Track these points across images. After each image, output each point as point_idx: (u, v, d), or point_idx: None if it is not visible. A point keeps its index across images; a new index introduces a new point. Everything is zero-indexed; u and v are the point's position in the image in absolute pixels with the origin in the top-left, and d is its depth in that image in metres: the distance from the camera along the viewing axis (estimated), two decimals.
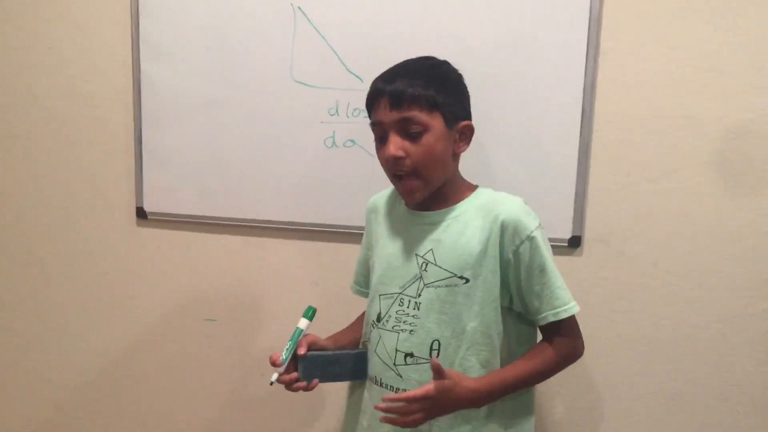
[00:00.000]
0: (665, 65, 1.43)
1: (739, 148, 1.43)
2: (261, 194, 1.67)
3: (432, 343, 1.18)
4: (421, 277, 1.20)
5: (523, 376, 1.20)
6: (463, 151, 1.23)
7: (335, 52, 1.55)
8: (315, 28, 1.56)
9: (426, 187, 1.18)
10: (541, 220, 1.20)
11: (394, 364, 1.21)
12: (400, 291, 1.22)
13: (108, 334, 1.89)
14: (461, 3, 1.48)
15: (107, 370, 1.92)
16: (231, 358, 1.81)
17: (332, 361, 1.25)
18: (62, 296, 1.91)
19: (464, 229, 1.19)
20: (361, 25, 1.54)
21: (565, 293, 1.21)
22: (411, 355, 1.20)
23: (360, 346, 1.33)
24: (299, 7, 1.56)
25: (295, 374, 1.22)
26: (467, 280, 1.17)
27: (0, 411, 2.02)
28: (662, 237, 1.49)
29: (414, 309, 1.20)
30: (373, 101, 1.18)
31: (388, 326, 1.23)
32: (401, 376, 1.20)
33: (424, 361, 1.19)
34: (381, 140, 1.18)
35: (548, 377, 1.24)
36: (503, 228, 1.16)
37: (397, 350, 1.21)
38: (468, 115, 1.23)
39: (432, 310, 1.18)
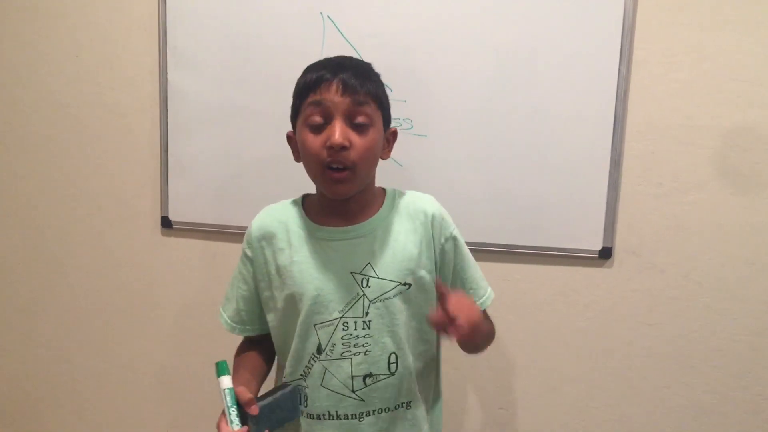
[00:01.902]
0: (698, 76, 1.43)
1: None
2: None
3: (389, 357, 1.14)
4: (363, 294, 1.12)
5: (486, 333, 1.20)
6: (387, 158, 1.19)
7: None
8: (344, 37, 1.55)
9: (356, 184, 1.11)
10: None
11: (353, 390, 1.14)
12: (340, 315, 1.13)
13: (133, 343, 1.89)
14: (492, 11, 1.48)
15: (132, 379, 1.91)
16: None
17: (275, 408, 1.13)
18: (87, 305, 1.90)
19: (396, 234, 1.15)
20: (390, 34, 1.54)
21: (485, 282, 1.24)
22: (369, 375, 1.14)
23: (286, 383, 1.19)
24: (328, 16, 1.55)
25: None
26: (409, 285, 1.14)
27: (22, 419, 2.02)
28: (694, 249, 1.48)
29: (364, 329, 1.13)
30: (317, 83, 1.08)
31: (335, 354, 1.13)
32: (363, 400, 1.15)
33: (385, 376, 1.14)
34: (317, 128, 1.08)
35: (481, 349, 1.23)
36: (433, 224, 1.16)
37: (353, 376, 1.14)
38: (390, 122, 1.19)
39: (383, 324, 1.13)
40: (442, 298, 1.01)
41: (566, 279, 1.55)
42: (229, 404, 1.09)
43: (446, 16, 1.50)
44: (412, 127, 1.54)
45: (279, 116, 1.63)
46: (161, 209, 1.78)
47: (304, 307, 1.14)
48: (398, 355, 1.15)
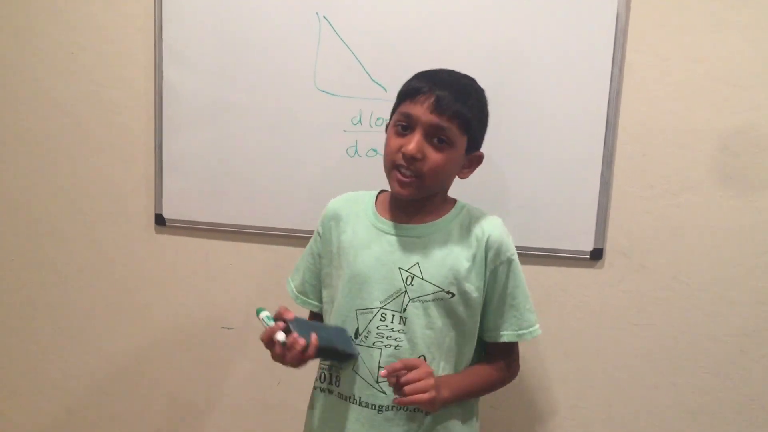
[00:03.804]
0: (690, 78, 1.44)
1: (763, 163, 1.43)
2: (282, 202, 1.67)
3: (418, 358, 1.16)
4: (406, 291, 1.17)
5: (474, 389, 1.23)
6: (465, 178, 1.24)
7: (359, 62, 1.56)
8: (340, 37, 1.56)
9: (420, 191, 1.16)
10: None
11: (377, 381, 1.17)
12: (381, 306, 1.18)
13: (125, 341, 1.89)
14: (487, 14, 1.49)
15: (124, 377, 1.91)
16: (248, 367, 1.81)
17: (318, 327, 1.14)
18: (80, 302, 1.90)
19: (450, 243, 1.19)
20: (386, 35, 1.54)
21: (533, 317, 1.23)
22: None
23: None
24: (324, 16, 1.56)
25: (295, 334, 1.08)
26: (453, 295, 1.16)
27: (16, 415, 2.01)
28: (684, 250, 1.49)
29: (400, 324, 1.17)
30: (415, 94, 1.14)
31: (368, 342, 1.18)
32: (385, 393, 1.17)
33: None
34: (401, 130, 1.15)
35: (489, 392, 1.27)
36: (488, 246, 1.18)
37: (380, 367, 1.16)
38: (480, 146, 1.23)
39: (418, 325, 1.16)
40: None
41: (557, 279, 1.56)
42: (267, 322, 1.11)
43: (440, 18, 1.51)
44: None
45: (273, 114, 1.65)
46: (155, 206, 1.78)
47: (345, 290, 1.21)
48: (426, 359, 1.16)
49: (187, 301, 1.82)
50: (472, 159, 1.22)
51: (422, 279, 1.16)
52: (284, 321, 1.10)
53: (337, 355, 1.17)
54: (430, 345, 1.17)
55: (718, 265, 1.48)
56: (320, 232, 1.30)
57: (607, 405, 1.58)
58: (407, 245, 1.19)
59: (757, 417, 1.51)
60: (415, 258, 1.18)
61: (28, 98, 1.84)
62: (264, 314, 1.13)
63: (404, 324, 1.16)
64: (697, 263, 1.49)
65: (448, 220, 1.21)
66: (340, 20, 1.56)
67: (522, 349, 1.58)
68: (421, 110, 1.12)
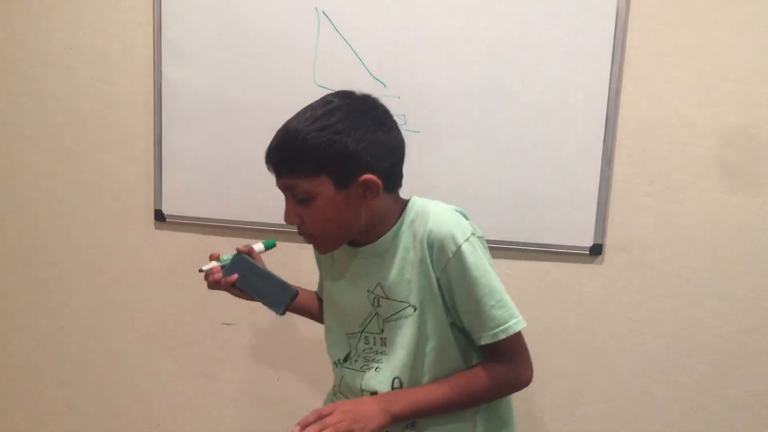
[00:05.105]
0: (689, 75, 1.44)
1: (763, 159, 1.43)
2: (281, 198, 1.66)
3: (393, 381, 1.12)
4: (377, 313, 1.14)
5: (442, 401, 1.09)
6: (376, 204, 1.09)
7: (359, 57, 1.55)
8: (339, 33, 1.56)
9: (331, 243, 1.13)
10: (475, 227, 1.10)
11: None
12: (361, 329, 1.16)
13: (125, 337, 1.89)
14: (486, 9, 1.49)
15: (123, 372, 1.91)
16: (248, 362, 1.81)
17: (258, 273, 1.21)
18: (80, 298, 1.90)
19: (402, 253, 1.11)
20: (385, 30, 1.54)
21: (502, 311, 1.07)
22: (374, 393, 1.12)
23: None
24: (323, 11, 1.56)
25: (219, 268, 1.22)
26: (415, 308, 1.10)
27: (17, 411, 2.02)
28: (684, 246, 1.49)
29: (381, 345, 1.14)
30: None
31: (356, 366, 1.17)
32: None
33: None
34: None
35: (481, 403, 1.14)
36: (430, 246, 1.07)
37: (362, 389, 1.14)
38: (370, 166, 1.06)
39: (397, 344, 1.12)
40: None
41: (557, 275, 1.56)
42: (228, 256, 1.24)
43: (441, 12, 1.51)
44: (406, 123, 1.55)
45: (273, 110, 1.62)
46: (155, 203, 1.78)
47: (338, 314, 1.21)
48: (402, 381, 1.12)
49: (186, 297, 1.82)
50: (363, 186, 1.06)
51: (386, 298, 1.12)
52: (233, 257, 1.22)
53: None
54: (405, 366, 1.11)
55: (719, 260, 1.48)
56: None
57: (607, 401, 1.58)
58: (368, 266, 1.15)
59: (758, 413, 1.51)
60: (376, 278, 1.13)
61: (27, 94, 1.84)
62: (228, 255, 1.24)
63: (385, 345, 1.14)
64: (698, 259, 1.49)
65: (398, 228, 1.12)
66: (340, 15, 1.56)
67: None
68: (276, 179, 1.10)
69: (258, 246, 1.26)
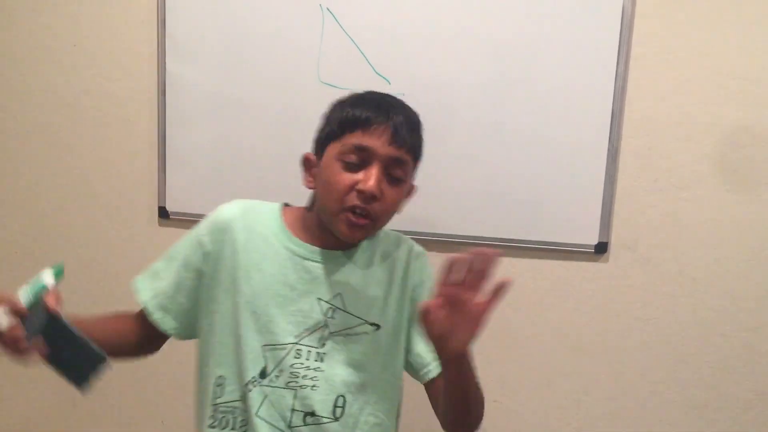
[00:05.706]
0: (696, 72, 1.43)
1: None
2: (285, 196, 1.66)
3: (336, 399, 1.04)
4: (325, 325, 1.04)
5: (475, 383, 1.01)
6: (399, 212, 1.09)
7: (363, 54, 1.55)
8: (343, 29, 1.55)
9: (373, 231, 1.06)
10: None
11: (289, 426, 1.03)
12: (295, 341, 1.04)
13: None
14: (491, 6, 1.48)
15: (127, 368, 1.91)
16: None
17: (71, 340, 0.92)
18: (82, 296, 1.90)
19: (373, 267, 1.08)
20: (390, 27, 1.53)
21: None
22: (312, 414, 1.04)
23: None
24: (328, 8, 1.55)
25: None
26: (378, 327, 1.06)
27: (21, 407, 2.02)
28: (689, 245, 1.49)
29: (317, 361, 1.04)
30: (367, 124, 0.99)
31: (279, 383, 1.03)
32: None
33: (328, 420, 1.04)
34: (351, 166, 1.00)
35: (469, 412, 1.03)
36: (413, 260, 1.09)
37: (293, 410, 1.03)
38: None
39: (338, 362, 1.04)
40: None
41: (562, 273, 1.56)
42: (30, 287, 0.92)
43: (445, 10, 1.50)
44: None
45: (277, 108, 1.64)
46: (158, 200, 1.78)
47: (258, 321, 1.05)
48: (346, 400, 1.05)
49: None
50: (410, 191, 1.10)
51: (345, 311, 1.05)
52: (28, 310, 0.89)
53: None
54: (350, 384, 1.05)
55: (724, 259, 1.48)
56: (206, 243, 1.09)
57: (611, 399, 1.58)
58: (328, 273, 1.06)
59: (762, 412, 1.50)
60: (338, 288, 1.05)
61: (31, 91, 1.84)
62: (43, 281, 0.94)
63: (322, 361, 1.04)
64: (703, 257, 1.48)
65: (374, 240, 1.10)
66: (344, 12, 1.55)
67: (525, 343, 1.57)
68: (378, 143, 0.99)
69: (48, 278, 0.96)
